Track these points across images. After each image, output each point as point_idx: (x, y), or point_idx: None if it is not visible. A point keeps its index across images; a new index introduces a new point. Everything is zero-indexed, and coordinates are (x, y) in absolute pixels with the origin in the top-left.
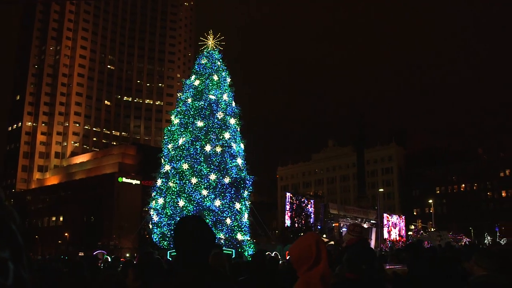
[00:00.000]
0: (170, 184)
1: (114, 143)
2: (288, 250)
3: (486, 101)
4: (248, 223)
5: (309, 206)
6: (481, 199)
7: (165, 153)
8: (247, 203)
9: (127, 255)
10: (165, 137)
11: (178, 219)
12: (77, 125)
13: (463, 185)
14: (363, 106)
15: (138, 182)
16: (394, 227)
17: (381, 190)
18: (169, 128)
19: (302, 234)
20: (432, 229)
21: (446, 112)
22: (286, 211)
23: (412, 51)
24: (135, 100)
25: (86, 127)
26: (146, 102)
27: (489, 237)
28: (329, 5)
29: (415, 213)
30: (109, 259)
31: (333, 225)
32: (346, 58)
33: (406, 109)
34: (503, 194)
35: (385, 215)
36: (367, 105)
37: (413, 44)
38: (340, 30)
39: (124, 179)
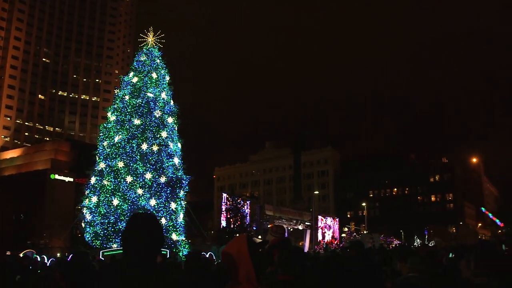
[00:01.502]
0: (105, 182)
1: (47, 139)
2: (221, 253)
3: (418, 109)
4: (183, 223)
5: (245, 207)
6: (412, 203)
7: (100, 151)
8: (183, 203)
9: (58, 254)
10: (101, 134)
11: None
12: (8, 119)
13: (395, 189)
14: (303, 109)
15: (72, 179)
16: (328, 229)
17: (317, 192)
18: (105, 125)
19: (237, 235)
20: (365, 232)
21: (382, 119)
22: (222, 212)
23: (353, 60)
24: (71, 95)
25: (18, 121)
26: (82, 97)
27: (418, 240)
28: (280, 9)
29: (348, 216)
30: (39, 259)
31: (269, 226)
32: (291, 62)
33: (344, 115)
34: (432, 198)
35: (319, 217)
36: (307, 109)
37: (354, 54)
38: (288, 34)
39: (57, 176)
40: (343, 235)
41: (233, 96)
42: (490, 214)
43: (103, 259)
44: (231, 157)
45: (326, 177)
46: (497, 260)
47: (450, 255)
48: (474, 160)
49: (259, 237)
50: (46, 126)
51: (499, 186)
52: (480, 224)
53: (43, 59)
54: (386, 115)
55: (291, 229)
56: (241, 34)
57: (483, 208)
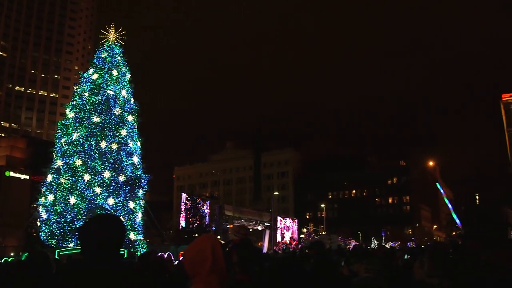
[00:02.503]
0: (62, 180)
1: (3, 135)
2: (183, 252)
3: (378, 113)
4: (141, 222)
5: (204, 207)
6: (370, 204)
7: (58, 148)
8: (142, 202)
9: (12, 254)
10: (59, 131)
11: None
12: None
13: (354, 191)
14: (265, 110)
15: (27, 177)
16: (287, 229)
17: (276, 193)
18: (63, 122)
19: (196, 235)
20: (323, 233)
21: (342, 121)
22: (181, 212)
23: (318, 64)
24: (28, 91)
25: None
26: (40, 93)
27: (375, 241)
28: (249, 13)
29: (307, 217)
30: None
31: (228, 226)
32: (255, 64)
33: (305, 116)
34: (389, 200)
35: (279, 218)
36: (269, 110)
37: (320, 59)
38: (255, 36)
39: (12, 174)
40: (302, 236)
41: (195, 95)
42: (454, 216)
43: (58, 258)
44: (192, 157)
45: (286, 178)
46: (449, 262)
47: (406, 257)
48: (431, 163)
49: (218, 237)
50: (2, 122)
51: (454, 189)
52: (435, 226)
53: (0, 53)
54: (346, 118)
55: (251, 230)
56: (210, 35)
57: (453, 214)
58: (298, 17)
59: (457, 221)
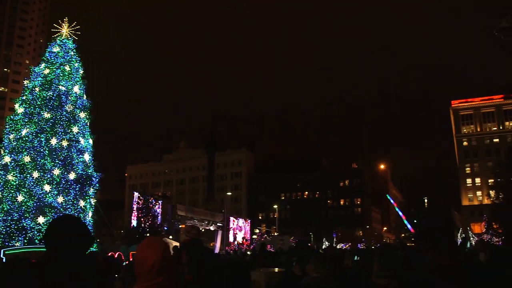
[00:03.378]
0: (9, 177)
1: None
2: (135, 251)
3: (332, 116)
4: (92, 221)
5: (156, 206)
6: (322, 206)
7: (6, 144)
8: (92, 201)
9: None
10: (7, 127)
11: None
12: None
13: (307, 192)
14: (220, 110)
15: None
16: (239, 230)
17: (229, 193)
18: (12, 117)
19: (148, 235)
20: (276, 233)
21: (296, 124)
22: (133, 211)
23: (273, 68)
24: None
25: None
26: None
27: (327, 242)
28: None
29: (260, 217)
30: None
31: (180, 226)
32: (211, 63)
33: (260, 118)
34: (341, 202)
35: (231, 218)
36: (223, 110)
37: (276, 63)
38: (217, 35)
39: None
40: (254, 236)
41: (150, 94)
42: (406, 222)
43: (4, 258)
44: (145, 156)
45: (240, 178)
46: (397, 263)
47: (355, 258)
48: (382, 166)
49: (170, 237)
50: None
51: (404, 192)
52: (385, 228)
53: None
54: (300, 120)
55: (203, 230)
56: (168, 33)
57: (404, 221)
58: (254, 19)
59: (408, 226)
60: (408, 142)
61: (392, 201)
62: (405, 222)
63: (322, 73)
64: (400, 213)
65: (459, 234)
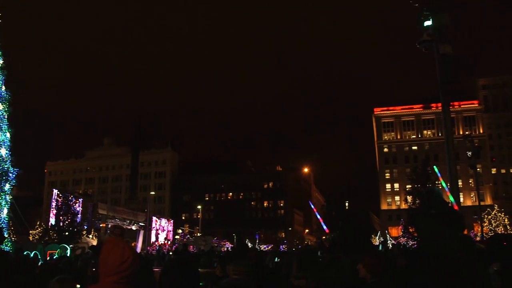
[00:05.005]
0: None
1: None
2: (103, 249)
3: (258, 118)
4: (7, 219)
5: (77, 205)
6: (246, 207)
7: None
8: (8, 197)
9: None
10: None
11: None
12: None
13: (231, 193)
14: (145, 108)
15: None
16: (162, 230)
17: (153, 193)
18: None
19: (67, 233)
20: (198, 234)
21: (222, 125)
22: (52, 209)
23: (200, 68)
24: None
25: None
26: None
27: (249, 244)
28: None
29: (183, 218)
30: None
31: (101, 225)
32: (135, 62)
33: (185, 118)
34: (265, 204)
35: (154, 218)
36: (149, 109)
37: (204, 62)
38: (145, 33)
39: None
40: (177, 237)
41: (74, 89)
42: (323, 225)
43: None
44: (66, 152)
45: (164, 178)
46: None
47: (276, 259)
48: (306, 170)
49: (90, 236)
50: None
51: (326, 195)
52: (307, 230)
53: None
54: (227, 122)
55: (125, 229)
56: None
57: (322, 224)
58: (182, 18)
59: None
60: (332, 147)
61: (312, 206)
62: (322, 224)
63: (251, 75)
64: (318, 216)
65: (377, 237)
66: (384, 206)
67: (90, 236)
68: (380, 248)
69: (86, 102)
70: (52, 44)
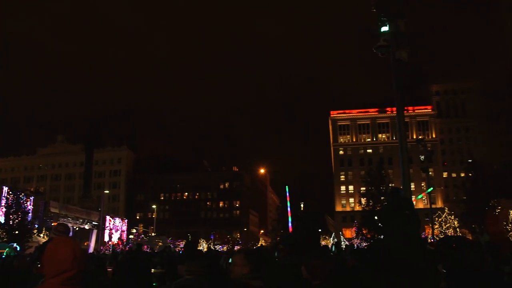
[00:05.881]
0: None
1: None
2: (46, 248)
3: (215, 118)
4: None
5: (28, 202)
6: (201, 207)
7: None
8: None
9: None
10: None
11: None
12: None
13: (186, 193)
14: (100, 106)
15: None
16: (116, 230)
17: (107, 191)
18: None
19: (17, 232)
20: (153, 234)
21: (179, 125)
22: (1, 207)
23: (159, 67)
24: None
25: None
26: None
27: (204, 243)
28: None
29: (138, 217)
30: None
31: (52, 224)
32: (92, 60)
33: (142, 116)
34: (220, 204)
35: (108, 217)
36: (104, 106)
37: (163, 62)
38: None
39: None
40: (131, 236)
41: (27, 85)
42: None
43: None
44: (17, 148)
45: (119, 176)
46: (265, 265)
47: (230, 260)
48: (262, 171)
49: (41, 235)
50: None
51: (281, 197)
52: (262, 231)
53: None
54: (183, 121)
55: (77, 228)
56: (44, 22)
57: (288, 207)
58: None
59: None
60: (288, 149)
61: (287, 193)
62: (289, 219)
63: (209, 75)
64: (289, 209)
65: (331, 238)
66: (338, 208)
67: (42, 235)
68: (333, 249)
69: (40, 99)
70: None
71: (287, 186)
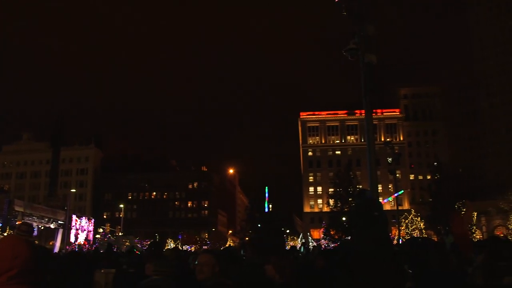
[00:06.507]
0: None
1: None
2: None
3: (182, 121)
4: None
5: None
6: (170, 207)
7: None
8: None
9: None
10: None
11: None
12: None
13: (154, 193)
14: (68, 103)
15: None
16: (82, 230)
17: (74, 190)
18: None
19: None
20: (120, 233)
21: (148, 123)
22: None
23: (126, 65)
24: None
25: None
26: None
27: (172, 243)
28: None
29: (105, 217)
30: None
31: (17, 223)
32: (59, 56)
33: (110, 114)
34: (189, 204)
35: (74, 216)
36: (72, 104)
37: (135, 60)
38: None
39: None
40: (98, 236)
41: None
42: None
43: None
44: None
45: (86, 175)
46: (237, 264)
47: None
48: (231, 171)
49: (5, 234)
50: None
51: (250, 197)
52: (230, 231)
53: None
54: (152, 120)
55: (42, 228)
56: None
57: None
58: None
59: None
60: (258, 149)
61: (267, 194)
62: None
63: (179, 75)
64: (266, 209)
65: (299, 239)
66: (307, 209)
67: (5, 234)
68: (302, 250)
69: (4, 95)
70: None
71: (266, 187)
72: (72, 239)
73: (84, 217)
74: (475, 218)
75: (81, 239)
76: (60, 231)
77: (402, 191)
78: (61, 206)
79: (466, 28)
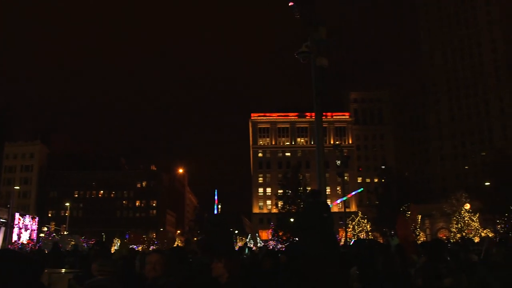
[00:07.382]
0: None
1: None
2: None
3: (134, 119)
4: None
5: None
6: (117, 206)
7: None
8: None
9: None
10: None
11: None
12: None
13: (102, 191)
14: (13, 95)
15: None
16: (25, 228)
17: (17, 187)
18: None
19: None
20: (65, 232)
21: (97, 121)
22: None
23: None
24: None
25: None
26: None
27: (118, 243)
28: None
29: (50, 215)
30: None
31: None
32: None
33: (58, 110)
34: (137, 203)
35: (17, 214)
36: (17, 95)
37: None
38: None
39: None
40: (42, 235)
41: None
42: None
43: None
44: None
45: (30, 172)
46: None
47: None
48: (180, 171)
49: None
50: None
51: (199, 197)
52: (179, 231)
53: None
54: (101, 118)
55: None
56: None
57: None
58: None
59: None
60: (208, 149)
61: (216, 196)
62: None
63: (132, 72)
64: (216, 211)
65: (247, 239)
66: (256, 210)
67: None
68: (247, 251)
69: None
70: None
71: (216, 190)
72: (15, 238)
73: (27, 216)
74: (419, 220)
75: (24, 238)
76: (2, 229)
77: (362, 189)
78: (3, 203)
79: (417, 36)
